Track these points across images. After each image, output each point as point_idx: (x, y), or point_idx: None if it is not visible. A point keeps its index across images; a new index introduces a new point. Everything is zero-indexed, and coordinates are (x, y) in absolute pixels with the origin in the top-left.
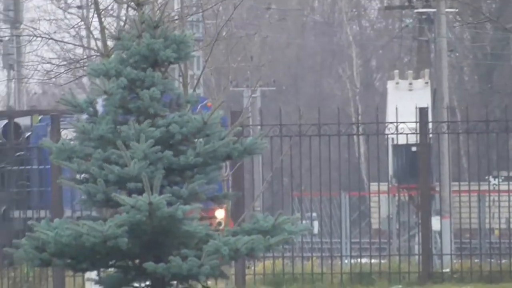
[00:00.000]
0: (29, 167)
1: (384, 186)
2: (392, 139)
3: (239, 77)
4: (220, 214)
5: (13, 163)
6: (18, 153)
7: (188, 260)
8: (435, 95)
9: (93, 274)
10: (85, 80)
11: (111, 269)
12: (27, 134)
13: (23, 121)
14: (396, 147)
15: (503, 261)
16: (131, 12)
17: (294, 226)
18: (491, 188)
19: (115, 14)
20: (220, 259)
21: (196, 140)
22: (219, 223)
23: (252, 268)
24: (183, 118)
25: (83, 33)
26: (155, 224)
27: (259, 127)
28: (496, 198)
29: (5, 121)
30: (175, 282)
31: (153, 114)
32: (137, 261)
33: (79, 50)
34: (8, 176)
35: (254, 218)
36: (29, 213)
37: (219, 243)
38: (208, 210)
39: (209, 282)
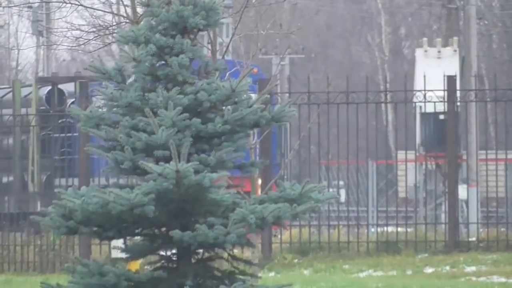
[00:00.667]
0: (73, 134)
1: (411, 155)
2: (420, 107)
3: (268, 44)
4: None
5: (57, 130)
6: (61, 120)
7: (214, 228)
8: (464, 63)
9: (119, 242)
10: (114, 47)
11: (138, 237)
12: (71, 100)
13: (67, 87)
14: (424, 115)
15: None
16: None
17: (321, 194)
18: None
19: None
20: (246, 227)
21: (224, 107)
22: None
23: (279, 236)
24: (212, 86)
25: None
26: (182, 192)
27: (287, 94)
28: None
29: (49, 88)
30: (201, 250)
31: (182, 81)
32: (163, 229)
33: (109, 17)
34: (52, 143)
35: (281, 186)
36: (72, 180)
37: (245, 211)
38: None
39: (235, 251)
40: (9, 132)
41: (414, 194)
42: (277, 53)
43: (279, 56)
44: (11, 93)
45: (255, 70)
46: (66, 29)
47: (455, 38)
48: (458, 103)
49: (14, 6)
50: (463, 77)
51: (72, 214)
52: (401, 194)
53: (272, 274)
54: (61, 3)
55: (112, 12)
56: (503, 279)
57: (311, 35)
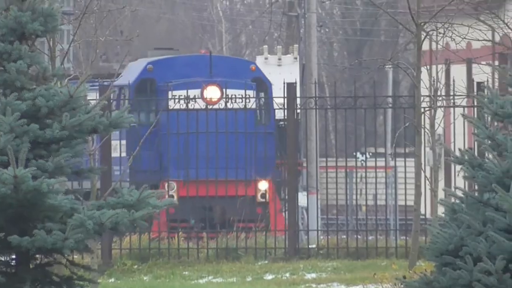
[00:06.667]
0: None
1: None
2: None
3: (109, 51)
4: (263, 186)
5: None
6: None
7: (52, 234)
8: (304, 70)
9: None
10: None
11: None
12: None
13: None
14: None
15: (370, 237)
16: None
17: (159, 201)
18: (359, 164)
19: None
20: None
21: (62, 113)
22: (263, 195)
23: (119, 242)
24: (50, 92)
25: None
26: (20, 198)
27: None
28: (364, 175)
29: None
30: (40, 255)
31: (20, 87)
32: (1, 234)
33: None
34: None
35: (119, 192)
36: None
37: (83, 217)
38: (251, 182)
39: (76, 257)
40: None
41: None
42: (118, 60)
43: (119, 63)
44: None
45: (253, 67)
46: None
47: (296, 46)
48: (298, 110)
49: None
50: (303, 84)
51: None
52: None
53: (111, 280)
54: None
55: None
56: (343, 286)
57: (152, 42)
